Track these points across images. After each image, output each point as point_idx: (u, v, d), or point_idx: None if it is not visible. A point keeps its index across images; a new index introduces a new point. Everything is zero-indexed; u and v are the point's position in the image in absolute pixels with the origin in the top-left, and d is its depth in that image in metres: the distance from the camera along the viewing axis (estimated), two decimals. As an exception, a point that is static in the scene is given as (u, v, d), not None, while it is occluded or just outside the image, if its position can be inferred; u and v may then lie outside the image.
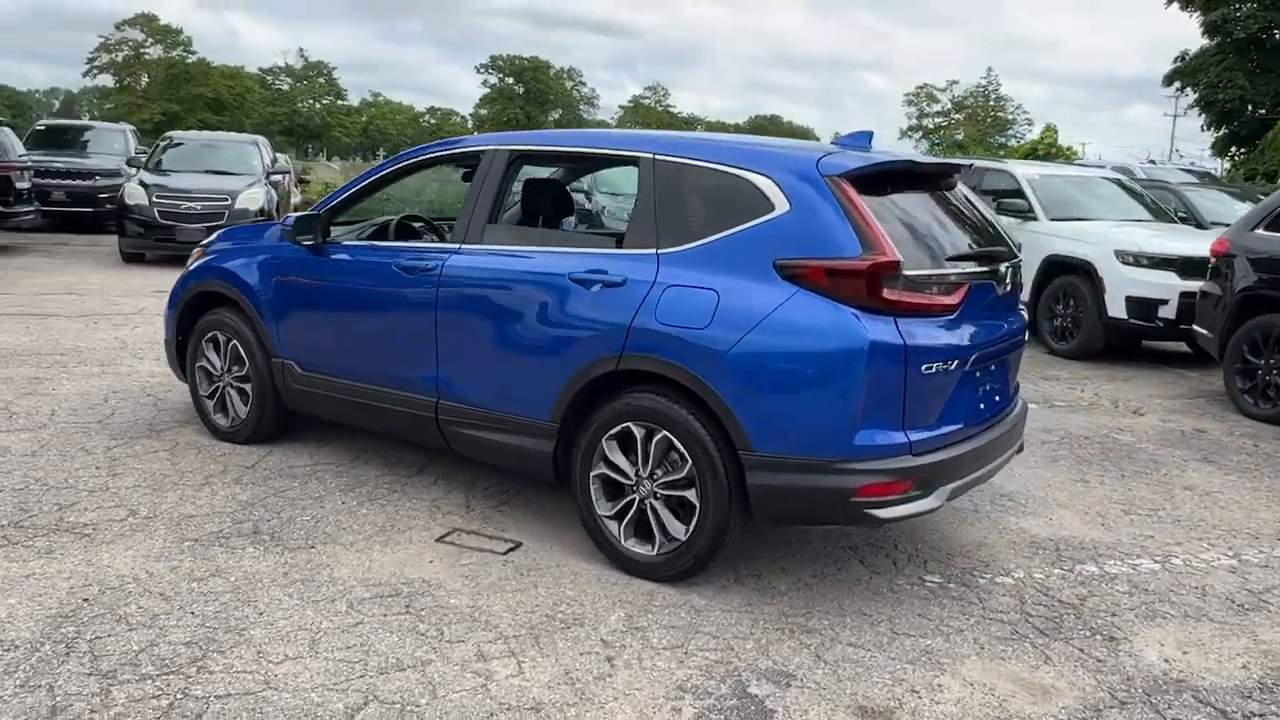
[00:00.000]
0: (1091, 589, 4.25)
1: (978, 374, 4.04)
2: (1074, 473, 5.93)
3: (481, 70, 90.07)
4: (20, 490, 4.70)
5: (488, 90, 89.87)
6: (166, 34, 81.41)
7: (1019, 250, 4.57)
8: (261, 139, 16.43)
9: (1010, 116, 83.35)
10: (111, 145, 17.72)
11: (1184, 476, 5.98)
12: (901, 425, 3.67)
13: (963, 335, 3.86)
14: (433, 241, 5.19)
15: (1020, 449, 4.61)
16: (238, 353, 5.47)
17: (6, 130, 13.87)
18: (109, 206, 14.87)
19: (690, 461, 3.85)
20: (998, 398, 4.25)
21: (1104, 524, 5.06)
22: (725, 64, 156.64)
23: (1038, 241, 10.02)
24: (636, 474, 4.03)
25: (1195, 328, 8.43)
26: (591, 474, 4.14)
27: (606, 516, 4.14)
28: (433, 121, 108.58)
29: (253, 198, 13.18)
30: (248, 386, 5.46)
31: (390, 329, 4.79)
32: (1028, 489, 5.55)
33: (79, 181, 15.82)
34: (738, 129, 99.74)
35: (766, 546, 4.45)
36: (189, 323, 5.73)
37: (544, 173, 5.42)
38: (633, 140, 4.45)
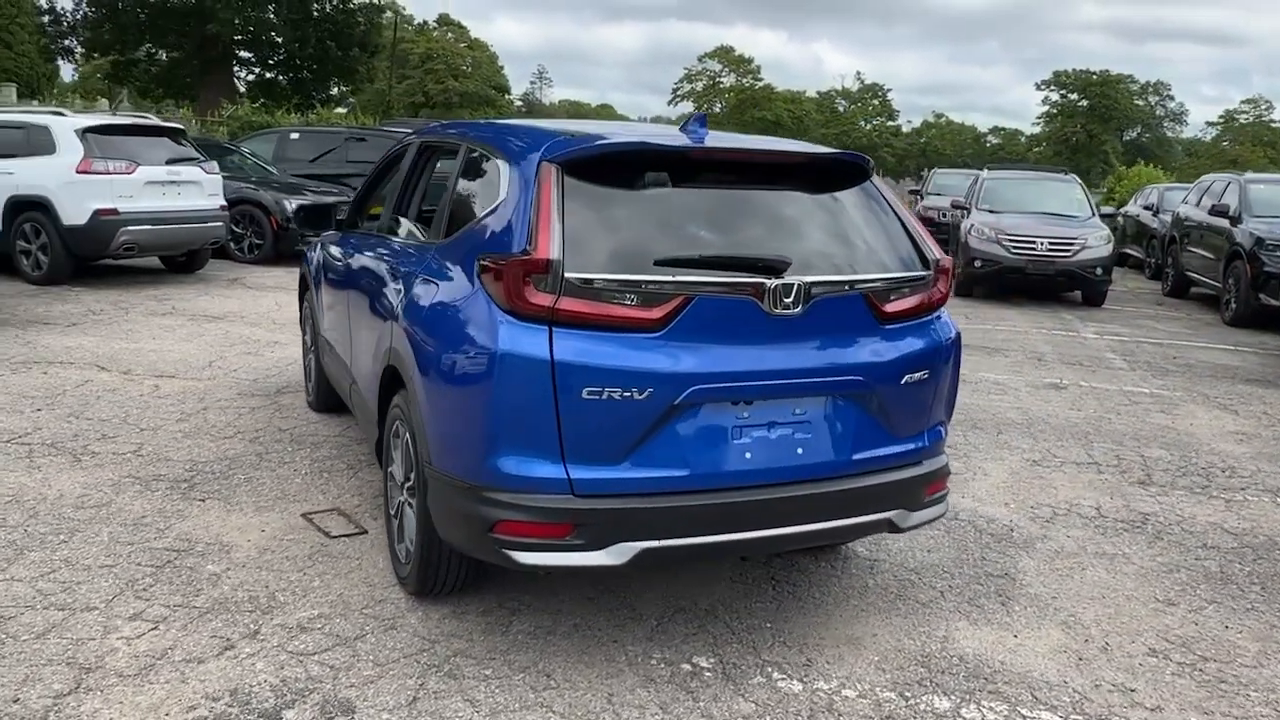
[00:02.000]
0: (890, 726, 3.13)
1: (741, 413, 3.21)
2: (1169, 592, 4.28)
3: (1043, 87, 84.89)
4: (103, 421, 5.79)
5: (1048, 108, 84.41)
6: (739, 63, 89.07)
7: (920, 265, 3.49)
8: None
9: None
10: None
11: (1357, 629, 4.01)
12: (560, 458, 3.07)
13: (674, 359, 3.08)
14: None
15: (892, 526, 3.52)
16: (312, 330, 6.12)
17: None
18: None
19: (415, 469, 3.60)
20: (800, 450, 3.29)
21: (1083, 660, 3.64)
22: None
23: None
24: (402, 475, 3.85)
25: None
26: (387, 470, 4.04)
27: (391, 515, 4.00)
28: (995, 142, 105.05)
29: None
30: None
31: (343, 312, 5.06)
32: (1056, 597, 4.15)
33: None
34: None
35: (599, 589, 3.94)
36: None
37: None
38: (463, 127, 4.20)
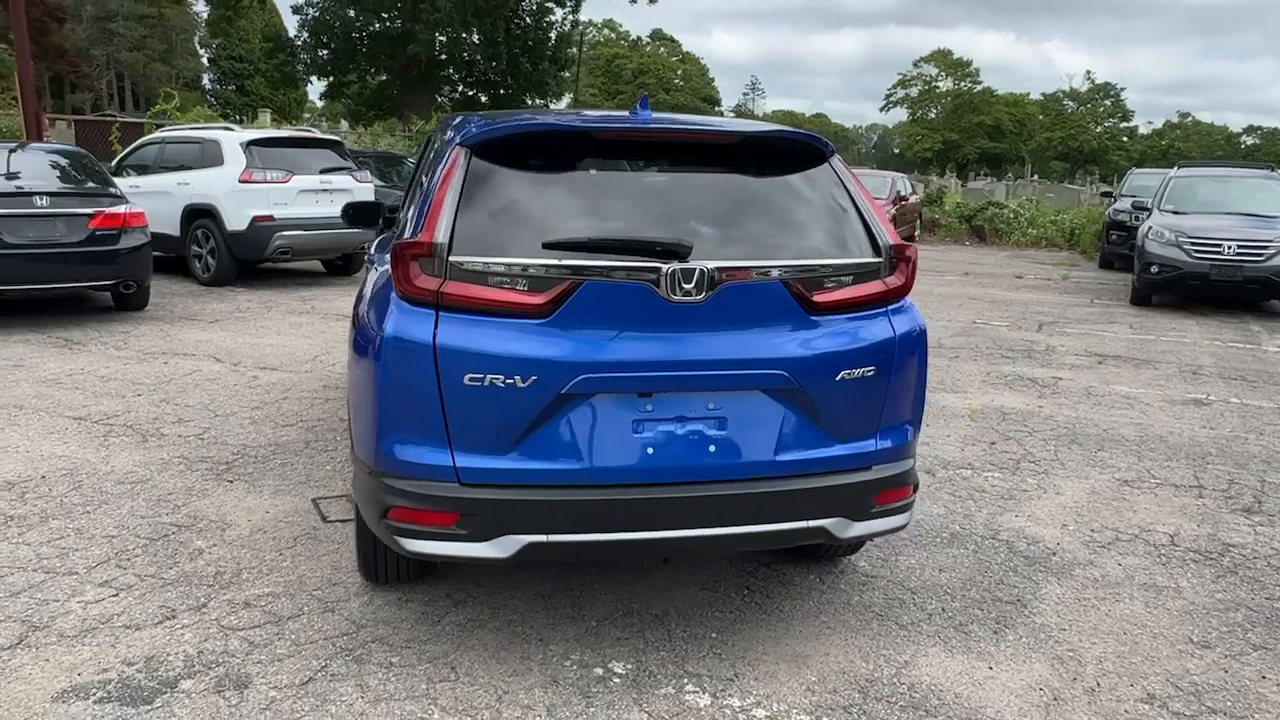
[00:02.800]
0: (783, 751, 2.87)
1: (644, 406, 3.04)
2: (1208, 633, 3.71)
3: (1305, 80, 76.48)
4: (187, 407, 6.22)
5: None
6: (957, 66, 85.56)
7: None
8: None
9: None
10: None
11: None
12: (447, 445, 3.01)
13: (560, 347, 2.96)
14: None
15: (829, 535, 3.22)
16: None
17: None
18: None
19: None
20: (713, 448, 3.08)
21: (1057, 701, 3.21)
22: None
23: None
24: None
25: None
26: (363, 457, 4.11)
27: (362, 502, 4.07)
28: (1252, 142, 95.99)
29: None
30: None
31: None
32: (1064, 629, 3.70)
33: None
34: None
35: (555, 585, 3.86)
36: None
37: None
38: (445, 119, 4.21)
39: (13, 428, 5.67)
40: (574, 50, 30.65)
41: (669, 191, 3.26)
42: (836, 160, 3.43)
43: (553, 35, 29.33)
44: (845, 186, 3.37)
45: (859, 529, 3.25)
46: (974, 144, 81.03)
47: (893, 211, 19.37)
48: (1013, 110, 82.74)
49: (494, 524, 2.99)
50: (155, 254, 11.30)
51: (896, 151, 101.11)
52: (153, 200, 11.38)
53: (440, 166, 3.26)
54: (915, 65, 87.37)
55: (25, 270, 8.28)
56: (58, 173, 9.47)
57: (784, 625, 3.63)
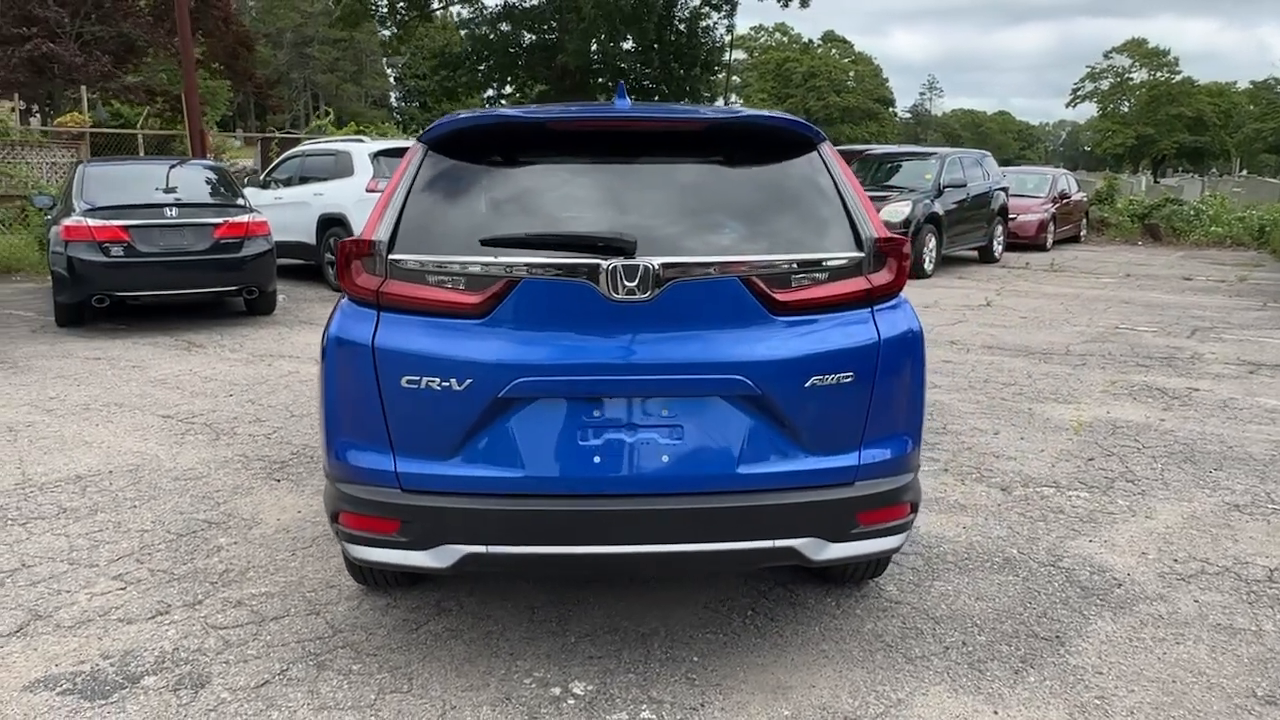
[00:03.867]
0: (719, 792, 2.62)
1: (592, 412, 2.86)
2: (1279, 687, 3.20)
3: None
4: (269, 408, 6.43)
5: None
6: (1152, 56, 79.99)
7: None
8: (953, 156, 15.30)
9: None
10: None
11: None
12: (389, 449, 2.92)
13: (496, 349, 2.81)
14: None
15: (801, 557, 2.93)
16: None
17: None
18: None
19: None
20: (666, 458, 2.86)
21: (1062, 753, 2.82)
22: None
23: None
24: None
25: None
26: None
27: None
28: None
29: (895, 211, 13.31)
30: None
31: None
32: (1101, 672, 3.26)
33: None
34: None
35: (547, 597, 3.74)
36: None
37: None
38: None
39: (106, 424, 6.01)
40: (727, 55, 30.41)
41: (628, 184, 3.06)
42: (826, 148, 3.14)
43: (706, 41, 29.20)
44: (832, 176, 3.07)
45: (838, 551, 2.96)
46: (1171, 138, 75.61)
47: (1053, 210, 18.22)
48: (1216, 101, 76.58)
49: (433, 532, 2.87)
50: (296, 262, 11.92)
51: (1087, 149, 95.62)
52: (293, 210, 11.99)
53: (400, 163, 3.18)
54: (1106, 56, 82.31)
55: (155, 276, 8.83)
56: (206, 186, 10.12)
57: (776, 652, 3.36)
